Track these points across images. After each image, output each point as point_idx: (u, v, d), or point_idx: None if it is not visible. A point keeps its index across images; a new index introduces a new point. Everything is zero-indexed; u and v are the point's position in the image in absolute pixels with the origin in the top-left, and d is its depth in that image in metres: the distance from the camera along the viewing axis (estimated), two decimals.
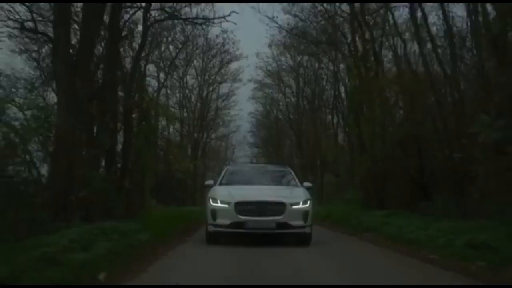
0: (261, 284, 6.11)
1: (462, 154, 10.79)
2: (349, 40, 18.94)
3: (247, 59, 43.10)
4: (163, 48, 28.94)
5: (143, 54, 18.46)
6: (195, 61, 37.19)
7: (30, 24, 13.17)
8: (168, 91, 35.15)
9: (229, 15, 16.59)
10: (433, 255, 8.01)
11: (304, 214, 10.26)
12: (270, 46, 29.89)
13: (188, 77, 37.82)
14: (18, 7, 13.05)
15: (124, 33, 13.93)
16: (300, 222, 10.15)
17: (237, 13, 16.59)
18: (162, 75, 31.39)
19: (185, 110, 38.11)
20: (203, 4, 19.64)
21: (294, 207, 10.21)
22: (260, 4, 18.21)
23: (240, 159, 48.67)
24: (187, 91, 38.89)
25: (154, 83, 29.62)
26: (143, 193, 18.70)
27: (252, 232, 9.97)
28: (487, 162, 9.77)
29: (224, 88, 40.80)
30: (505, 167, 9.13)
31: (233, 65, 37.41)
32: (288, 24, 22.92)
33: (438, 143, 13.53)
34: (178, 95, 37.23)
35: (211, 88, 39.52)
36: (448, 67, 13.18)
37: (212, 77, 38.97)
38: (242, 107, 42.22)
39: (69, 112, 10.00)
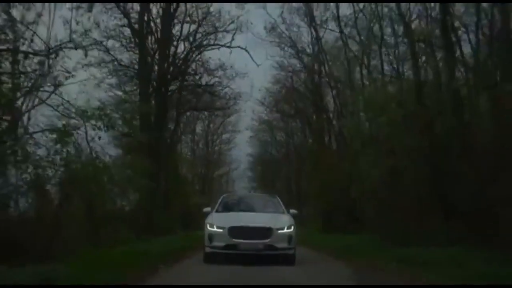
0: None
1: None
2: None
3: (245, 112, 51.97)
4: None
5: None
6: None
7: None
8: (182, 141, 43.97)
9: (232, 105, 25.78)
10: (329, 250, 16.84)
11: (289, 237, 11.60)
12: (262, 103, 38.62)
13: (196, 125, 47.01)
14: None
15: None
16: (285, 245, 11.49)
17: (238, 102, 25.75)
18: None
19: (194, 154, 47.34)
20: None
21: (279, 231, 11.51)
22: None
23: (240, 191, 57.27)
24: (196, 137, 48.12)
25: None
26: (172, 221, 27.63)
27: (243, 253, 11.21)
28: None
29: (226, 134, 50.24)
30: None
31: (234, 117, 46.49)
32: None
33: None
34: (189, 142, 46.35)
35: (215, 136, 48.86)
36: None
37: (216, 126, 48.23)
38: (242, 148, 50.98)
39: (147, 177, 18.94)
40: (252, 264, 10.65)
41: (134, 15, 21.53)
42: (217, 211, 12.88)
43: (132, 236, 17.43)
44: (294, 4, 25.31)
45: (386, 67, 21.05)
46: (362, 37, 22.75)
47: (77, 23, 13.16)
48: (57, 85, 11.72)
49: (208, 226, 11.80)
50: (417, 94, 13.01)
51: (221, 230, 11.49)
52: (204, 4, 23.11)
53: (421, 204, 12.87)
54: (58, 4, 13.12)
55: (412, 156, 12.76)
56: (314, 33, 24.50)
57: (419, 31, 13.96)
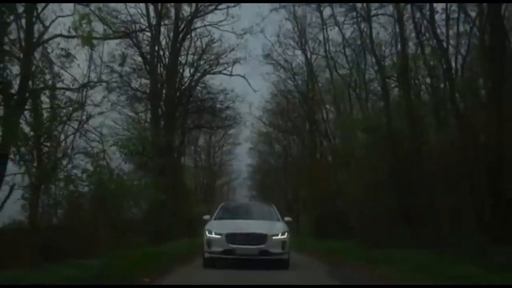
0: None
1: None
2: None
3: (245, 125, 54.80)
4: None
5: None
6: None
7: None
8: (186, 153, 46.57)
9: (232, 123, 28.33)
10: (317, 253, 19.36)
11: (282, 243, 12.24)
12: (260, 120, 41.44)
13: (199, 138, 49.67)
14: None
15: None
16: (279, 250, 12.13)
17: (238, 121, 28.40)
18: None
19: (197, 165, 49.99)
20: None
21: (274, 237, 12.13)
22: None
23: (239, 199, 59.88)
24: (198, 149, 50.75)
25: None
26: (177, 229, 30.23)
27: (240, 258, 11.89)
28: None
29: (227, 146, 52.92)
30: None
31: (234, 130, 49.07)
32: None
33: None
34: (192, 153, 48.93)
35: (217, 148, 51.52)
36: None
37: (218, 139, 50.88)
38: (242, 158, 53.62)
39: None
40: (250, 268, 11.47)
41: (144, 40, 24.52)
42: (215, 218, 13.53)
43: (144, 242, 19.96)
44: (290, 29, 28.09)
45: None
46: (351, 61, 25.40)
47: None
48: (88, 117, 14.33)
49: (207, 232, 12.51)
50: (387, 122, 15.66)
51: (219, 236, 12.17)
52: (207, 33, 25.96)
53: (390, 214, 15.48)
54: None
55: (382, 173, 15.36)
56: (305, 58, 27.22)
57: (390, 68, 16.58)
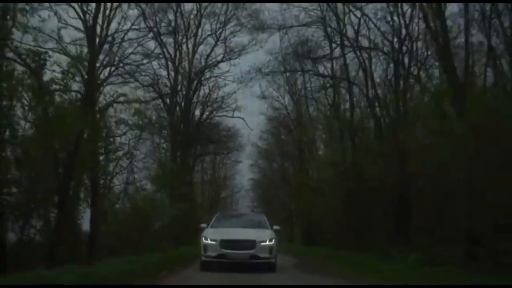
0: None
1: None
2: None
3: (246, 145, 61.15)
4: None
5: None
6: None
7: None
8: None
9: (236, 150, 34.69)
10: (300, 256, 25.43)
11: (270, 249, 13.26)
12: (258, 146, 48.02)
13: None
14: None
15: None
16: (266, 255, 13.14)
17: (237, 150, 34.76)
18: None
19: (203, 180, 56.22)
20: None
21: (262, 243, 13.13)
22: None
23: (242, 210, 65.68)
24: (204, 165, 56.79)
25: None
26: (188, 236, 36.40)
27: (232, 261, 12.94)
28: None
29: (230, 164, 59.12)
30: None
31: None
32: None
33: None
34: (199, 171, 55.05)
35: (221, 165, 57.71)
36: None
37: (222, 157, 57.01)
38: (244, 173, 59.39)
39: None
40: (241, 271, 12.68)
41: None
42: (211, 226, 14.64)
43: (166, 246, 26.03)
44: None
45: None
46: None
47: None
48: (132, 157, 20.71)
49: (203, 239, 13.61)
50: (342, 160, 21.94)
51: (213, 242, 13.24)
52: (214, 79, 32.61)
53: (346, 226, 21.71)
54: None
55: (339, 199, 21.62)
56: (291, 99, 33.71)
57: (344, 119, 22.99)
